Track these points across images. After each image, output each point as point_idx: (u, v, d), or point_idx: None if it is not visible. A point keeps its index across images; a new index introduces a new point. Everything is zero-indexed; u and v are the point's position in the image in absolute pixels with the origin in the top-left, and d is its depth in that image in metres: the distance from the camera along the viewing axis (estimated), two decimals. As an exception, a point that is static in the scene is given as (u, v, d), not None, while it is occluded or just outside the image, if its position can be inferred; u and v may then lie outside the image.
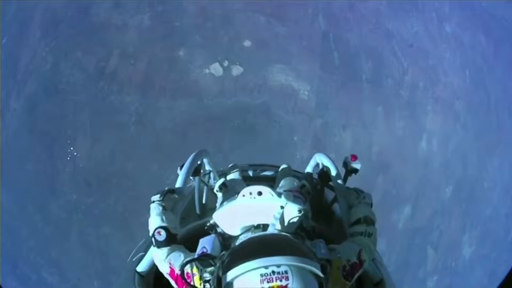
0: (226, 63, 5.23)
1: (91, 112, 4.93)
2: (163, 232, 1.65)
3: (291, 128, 5.17)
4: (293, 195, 1.68)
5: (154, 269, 1.75)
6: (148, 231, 1.70)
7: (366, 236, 1.70)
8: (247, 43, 5.33)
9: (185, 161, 2.06)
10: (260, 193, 1.66)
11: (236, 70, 5.23)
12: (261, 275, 1.24)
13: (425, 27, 5.85)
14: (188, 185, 2.03)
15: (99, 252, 4.73)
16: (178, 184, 1.84)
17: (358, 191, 1.92)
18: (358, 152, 2.22)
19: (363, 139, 5.31)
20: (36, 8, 5.07)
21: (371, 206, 1.83)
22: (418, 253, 5.40)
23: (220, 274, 1.31)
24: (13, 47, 4.93)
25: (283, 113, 5.25)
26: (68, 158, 4.81)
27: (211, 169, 2.39)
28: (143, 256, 1.80)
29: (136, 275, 1.76)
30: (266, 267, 1.25)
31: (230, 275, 1.28)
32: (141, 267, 1.77)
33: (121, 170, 4.84)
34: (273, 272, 1.24)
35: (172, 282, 1.58)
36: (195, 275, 1.45)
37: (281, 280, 1.22)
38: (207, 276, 1.42)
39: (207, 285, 1.42)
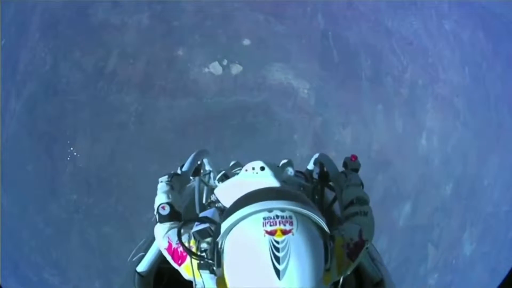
0: (225, 62, 5.23)
1: (90, 112, 4.93)
2: (167, 207, 1.65)
3: (291, 127, 5.17)
4: (295, 173, 1.67)
5: (154, 269, 1.76)
6: (148, 231, 1.70)
7: (362, 215, 1.65)
8: (246, 41, 5.33)
9: (185, 161, 2.07)
10: (262, 168, 1.65)
11: (236, 69, 5.23)
12: (264, 218, 1.17)
13: (424, 24, 5.84)
14: (188, 185, 2.04)
15: (100, 252, 4.73)
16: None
17: (346, 173, 1.89)
18: (358, 150, 2.22)
19: (363, 137, 5.31)
20: (35, 9, 5.07)
21: (362, 187, 1.80)
22: (418, 251, 5.40)
23: (219, 231, 1.23)
24: (12, 48, 4.93)
25: (282, 112, 5.25)
26: (68, 159, 4.81)
27: (211, 169, 2.39)
28: (143, 256, 1.80)
29: (136, 275, 1.76)
30: (269, 211, 1.19)
31: (229, 221, 1.21)
32: (141, 267, 1.77)
33: (121, 170, 4.84)
34: (277, 216, 1.17)
35: (169, 258, 1.54)
36: (192, 247, 1.39)
37: (284, 225, 1.15)
38: (204, 246, 1.36)
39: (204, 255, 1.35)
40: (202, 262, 1.32)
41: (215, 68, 5.21)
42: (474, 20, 5.85)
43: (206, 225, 1.34)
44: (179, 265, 1.50)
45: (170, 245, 1.55)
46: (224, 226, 1.22)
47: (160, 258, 1.79)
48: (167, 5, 5.28)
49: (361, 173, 2.07)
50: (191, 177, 2.04)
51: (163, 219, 1.64)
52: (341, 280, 1.36)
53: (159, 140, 4.90)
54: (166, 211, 1.64)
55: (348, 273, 1.49)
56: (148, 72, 5.10)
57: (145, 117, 4.97)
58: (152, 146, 4.87)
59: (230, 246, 1.21)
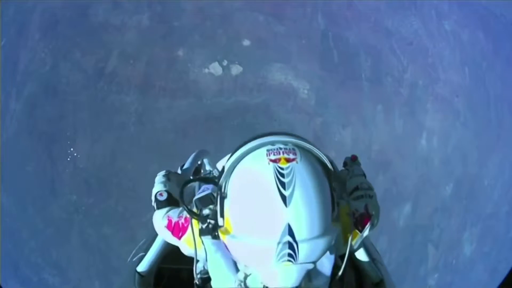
0: (225, 63, 5.23)
1: (90, 112, 4.93)
2: (165, 194, 1.66)
3: (291, 127, 5.17)
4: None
5: (154, 269, 1.76)
6: (148, 231, 1.70)
7: (367, 197, 1.65)
8: (246, 42, 5.33)
9: (185, 161, 2.07)
10: None
11: (235, 69, 5.23)
12: (267, 150, 1.16)
13: (424, 25, 5.84)
14: (188, 185, 2.03)
15: (100, 252, 4.73)
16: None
17: (348, 167, 1.90)
18: (358, 151, 2.23)
19: (363, 137, 5.31)
20: (35, 9, 5.07)
21: (365, 177, 1.79)
22: (419, 251, 5.40)
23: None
24: (12, 49, 4.92)
25: (282, 112, 5.24)
26: (68, 159, 4.81)
27: (211, 169, 2.39)
28: (143, 256, 1.80)
29: (136, 275, 1.76)
30: (272, 144, 1.19)
31: (231, 160, 1.20)
32: (141, 267, 1.77)
33: (121, 170, 4.84)
34: (280, 148, 1.16)
35: (168, 236, 1.53)
36: (194, 222, 1.38)
37: (288, 154, 1.14)
38: (206, 211, 1.30)
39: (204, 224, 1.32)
40: (204, 227, 1.28)
41: (215, 68, 5.21)
42: (474, 20, 5.86)
43: (209, 191, 1.33)
44: (179, 238, 1.48)
45: (169, 221, 1.54)
46: (227, 166, 1.21)
47: (160, 258, 1.80)
48: (167, 5, 5.28)
49: (361, 173, 2.07)
50: (191, 177, 2.05)
51: (161, 204, 1.63)
52: (346, 254, 1.35)
53: (159, 140, 4.90)
54: (164, 197, 1.64)
55: (355, 247, 1.51)
56: (148, 73, 5.11)
57: (145, 118, 4.98)
58: (152, 146, 4.88)
59: (234, 183, 1.19)
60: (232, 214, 1.17)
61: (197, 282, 1.38)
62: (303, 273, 1.12)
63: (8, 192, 4.57)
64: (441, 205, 5.48)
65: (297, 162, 1.13)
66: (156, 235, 1.76)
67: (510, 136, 5.57)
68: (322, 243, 1.10)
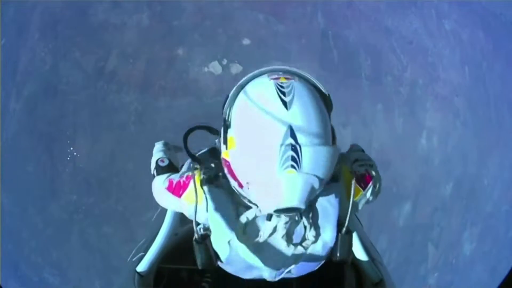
0: (225, 62, 5.23)
1: (90, 112, 4.93)
2: (166, 160, 1.72)
3: (291, 127, 5.15)
4: None
5: (154, 269, 1.76)
6: (147, 231, 1.70)
7: (367, 166, 1.66)
8: (246, 41, 5.33)
9: (185, 161, 2.07)
10: None
11: (235, 68, 5.22)
12: (268, 75, 1.24)
13: (424, 24, 5.84)
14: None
15: (100, 252, 4.74)
16: None
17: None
18: (357, 150, 2.22)
19: (363, 137, 5.30)
20: (35, 9, 5.07)
21: (363, 151, 1.88)
22: (419, 250, 5.40)
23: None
24: (12, 48, 4.92)
25: (282, 112, 5.23)
26: (68, 158, 4.81)
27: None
28: (143, 256, 1.80)
29: (136, 275, 1.76)
30: (272, 71, 1.28)
31: (234, 88, 1.30)
32: (141, 267, 1.77)
33: (121, 170, 4.84)
34: (280, 72, 1.26)
35: (168, 198, 1.53)
36: (195, 175, 1.39)
37: (287, 78, 1.19)
38: (211, 165, 1.37)
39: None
40: (205, 177, 1.34)
41: (215, 67, 5.20)
42: (474, 19, 5.85)
43: (206, 149, 1.37)
44: (180, 196, 1.47)
45: (171, 182, 1.53)
46: (230, 94, 1.31)
47: (160, 258, 1.80)
48: (166, 5, 5.28)
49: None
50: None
51: (162, 170, 1.67)
52: (350, 208, 1.36)
53: (159, 139, 4.88)
54: (165, 163, 1.69)
55: (360, 207, 1.53)
56: (148, 72, 5.10)
57: (145, 117, 4.97)
58: (152, 145, 4.85)
59: (236, 105, 1.26)
60: (235, 131, 1.21)
61: (197, 237, 1.35)
62: (308, 189, 1.10)
63: (8, 192, 4.57)
64: (441, 204, 5.48)
65: (295, 81, 1.20)
66: (156, 235, 1.76)
67: (510, 135, 5.57)
68: (324, 153, 1.10)
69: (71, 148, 4.82)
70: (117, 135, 4.91)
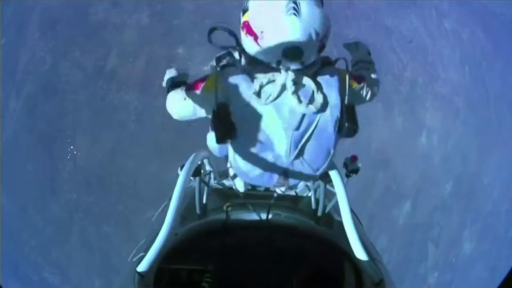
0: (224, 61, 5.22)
1: (90, 111, 4.92)
2: (179, 76, 1.96)
3: (291, 126, 5.15)
4: None
5: (154, 269, 1.76)
6: (147, 231, 1.70)
7: (365, 69, 1.90)
8: (245, 40, 5.32)
9: (186, 161, 2.06)
10: None
11: (235, 68, 5.22)
12: None
13: (424, 23, 5.84)
14: (188, 185, 2.03)
15: (100, 251, 4.74)
16: (179, 185, 1.82)
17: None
18: (358, 149, 2.22)
19: (363, 135, 5.26)
20: (34, 8, 5.06)
21: (369, 54, 2.00)
22: (419, 249, 5.41)
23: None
24: (12, 48, 4.91)
25: (282, 111, 5.23)
26: (68, 157, 4.80)
27: (211, 169, 2.39)
28: (143, 256, 1.80)
29: (136, 275, 1.76)
30: None
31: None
32: (141, 267, 1.76)
33: (121, 169, 4.83)
34: None
35: (187, 101, 1.76)
36: (216, 62, 1.73)
37: None
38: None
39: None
40: (223, 64, 1.68)
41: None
42: (474, 19, 5.86)
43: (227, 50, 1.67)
44: (199, 88, 1.69)
45: (189, 85, 1.76)
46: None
47: (160, 258, 1.79)
48: (166, 4, 5.27)
49: (361, 171, 2.07)
50: (191, 178, 2.04)
51: (177, 84, 1.90)
52: (347, 87, 1.63)
53: (159, 138, 4.89)
54: (178, 78, 1.93)
55: (363, 100, 1.83)
56: (147, 71, 5.09)
57: (145, 116, 4.96)
58: (152, 144, 4.87)
59: None
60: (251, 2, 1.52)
61: (217, 107, 1.57)
62: (307, 33, 1.42)
63: (8, 191, 4.57)
64: (441, 203, 5.48)
65: None
66: (156, 235, 1.76)
67: (510, 134, 5.57)
68: (315, 8, 1.44)
69: (71, 147, 4.82)
70: (117, 134, 4.91)
